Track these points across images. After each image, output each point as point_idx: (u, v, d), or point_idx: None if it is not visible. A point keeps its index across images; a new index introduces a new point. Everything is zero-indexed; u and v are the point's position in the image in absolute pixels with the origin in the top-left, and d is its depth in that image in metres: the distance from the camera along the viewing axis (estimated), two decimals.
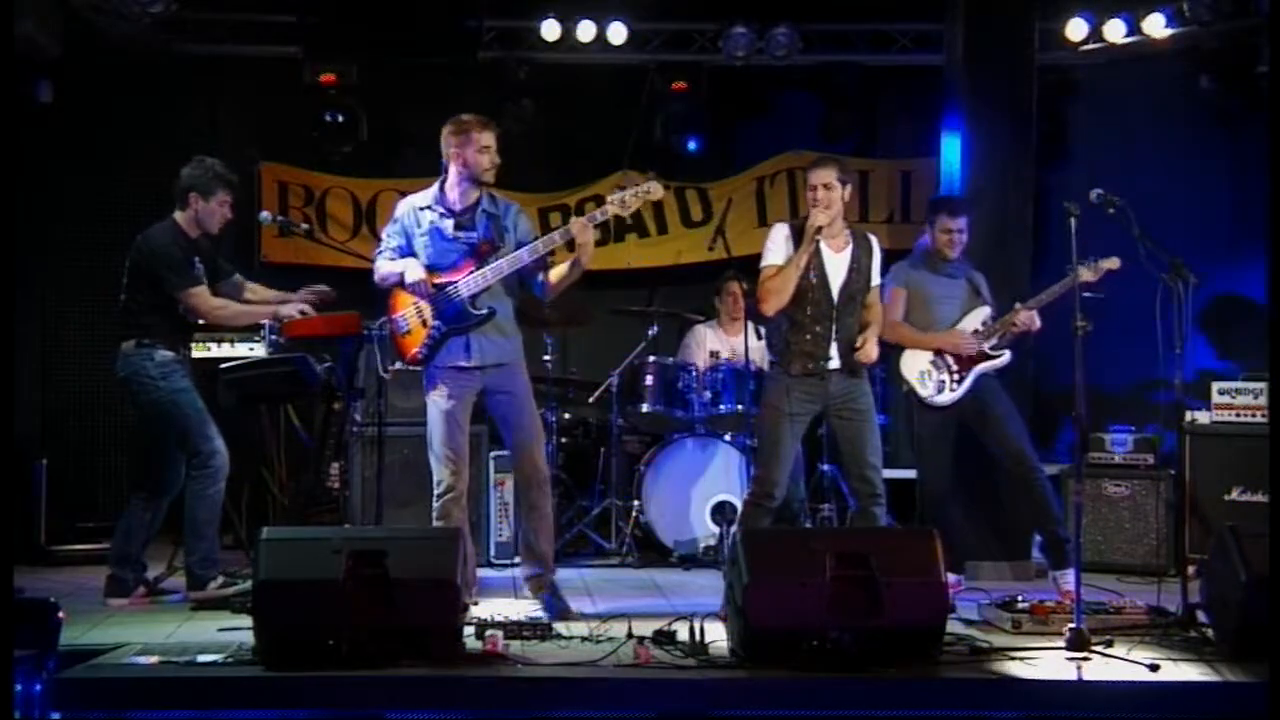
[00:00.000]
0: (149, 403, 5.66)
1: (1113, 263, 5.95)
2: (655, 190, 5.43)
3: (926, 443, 6.19)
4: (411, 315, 5.38)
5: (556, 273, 5.41)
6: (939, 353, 6.18)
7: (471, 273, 5.31)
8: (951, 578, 6.20)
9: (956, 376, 6.12)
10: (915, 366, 6.17)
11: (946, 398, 6.12)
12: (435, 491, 5.39)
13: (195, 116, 8.08)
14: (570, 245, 5.34)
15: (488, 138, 5.35)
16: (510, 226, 5.42)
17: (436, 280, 5.32)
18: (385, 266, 5.45)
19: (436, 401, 5.38)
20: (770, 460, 5.56)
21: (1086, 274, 5.77)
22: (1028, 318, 6.13)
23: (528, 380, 5.54)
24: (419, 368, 5.47)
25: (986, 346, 6.15)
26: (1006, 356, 6.18)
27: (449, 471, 5.35)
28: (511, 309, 5.46)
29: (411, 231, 5.43)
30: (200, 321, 5.84)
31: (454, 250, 5.36)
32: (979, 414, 6.16)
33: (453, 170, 5.39)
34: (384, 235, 5.56)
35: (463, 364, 5.35)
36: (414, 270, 5.33)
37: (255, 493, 7.15)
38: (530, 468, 5.48)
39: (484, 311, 5.32)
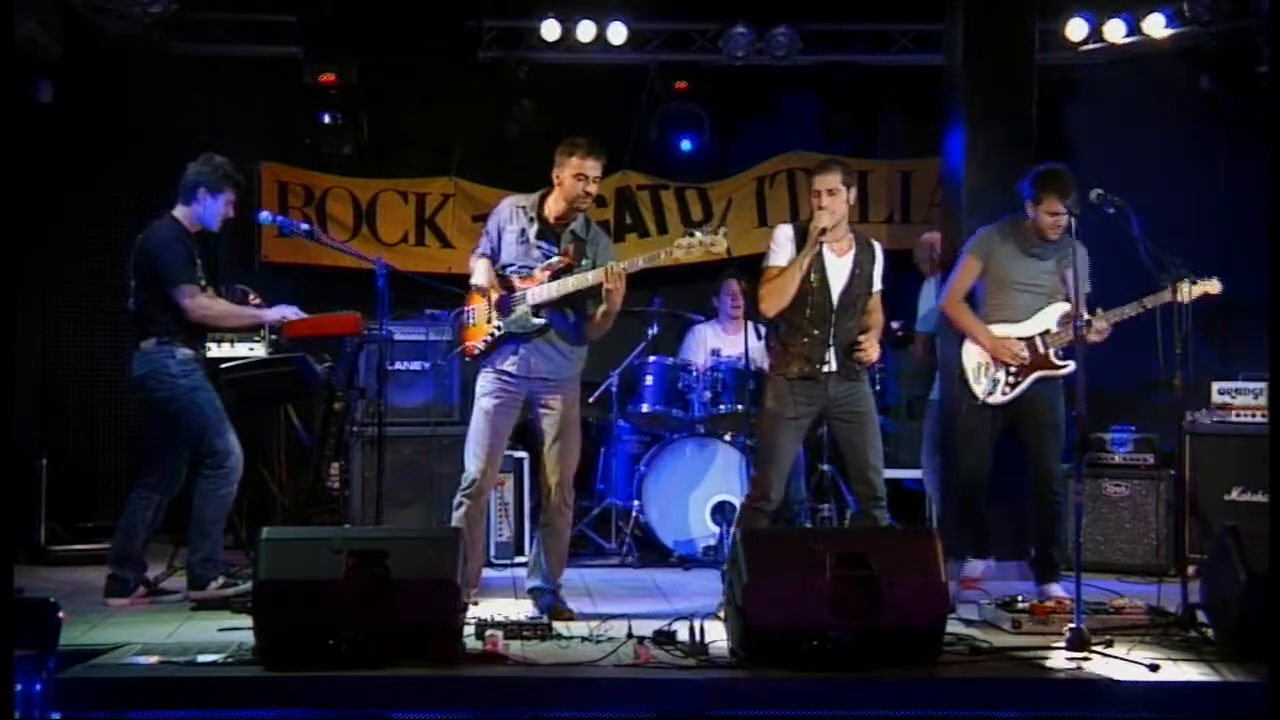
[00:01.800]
0: (167, 400, 5.65)
1: (1214, 286, 5.65)
2: (719, 245, 5.44)
3: (965, 436, 5.97)
4: (480, 310, 5.53)
5: (597, 318, 5.46)
6: None
7: (543, 284, 5.38)
8: (980, 564, 6.13)
9: (1013, 380, 5.85)
10: (975, 358, 5.93)
11: (996, 399, 5.88)
12: (462, 486, 5.48)
13: (195, 116, 8.07)
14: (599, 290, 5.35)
15: (588, 166, 5.40)
16: (591, 255, 5.48)
17: (518, 284, 5.43)
18: (472, 264, 5.62)
19: (481, 401, 5.49)
20: (767, 464, 5.55)
21: (1181, 293, 5.45)
22: (1103, 329, 5.79)
23: (577, 402, 5.60)
24: (473, 360, 5.57)
25: (1052, 353, 5.84)
26: (1070, 367, 5.81)
27: (477, 469, 5.45)
28: (577, 329, 5.50)
29: (503, 227, 5.54)
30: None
31: (531, 257, 5.45)
32: (1027, 416, 5.90)
33: (555, 185, 5.48)
34: (482, 231, 5.69)
35: (510, 370, 5.43)
36: (480, 274, 5.49)
37: (255, 493, 7.14)
38: (556, 487, 5.52)
39: (542, 322, 5.39)
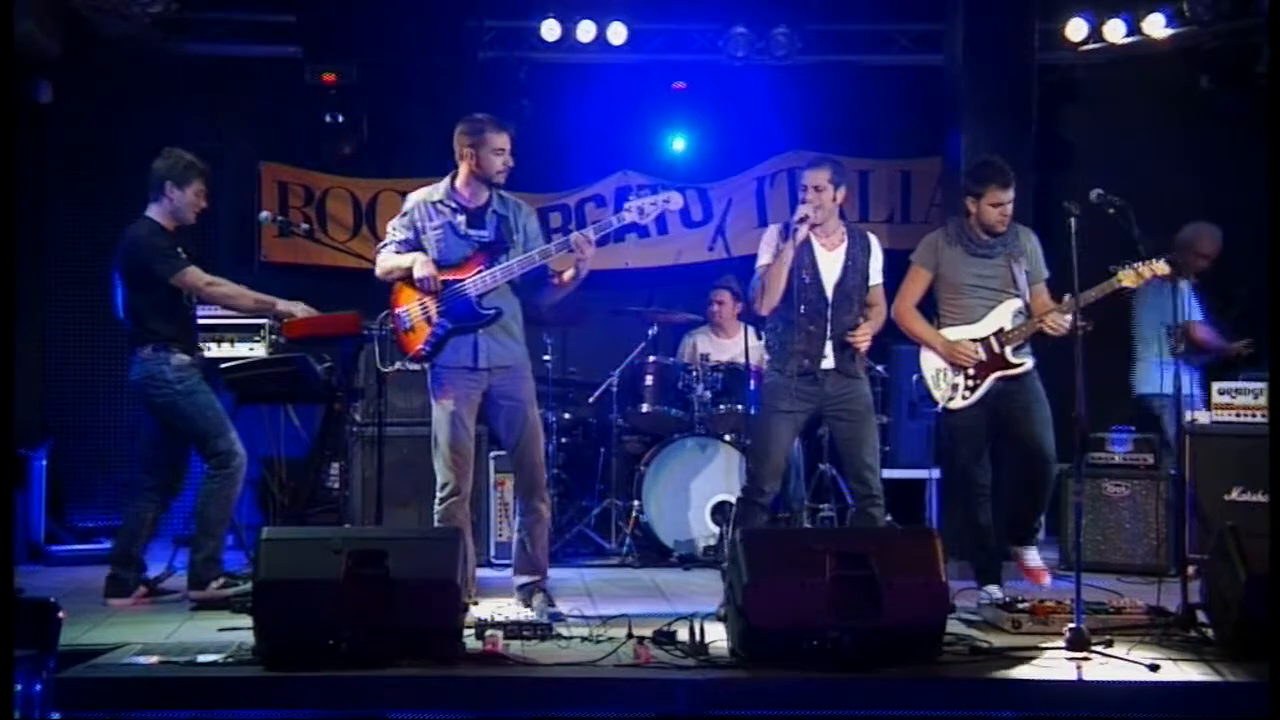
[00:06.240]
0: (166, 406, 5.65)
1: (1161, 267, 5.48)
2: (675, 200, 5.46)
3: (947, 438, 5.86)
4: (415, 311, 5.33)
5: (558, 281, 5.39)
6: None
7: (480, 272, 5.28)
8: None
9: (971, 383, 5.70)
10: (932, 364, 5.80)
11: (957, 404, 5.73)
12: (438, 494, 5.33)
13: (195, 116, 8.08)
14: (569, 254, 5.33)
15: (502, 140, 5.34)
16: (519, 228, 5.41)
17: (444, 277, 5.28)
18: (390, 260, 5.39)
19: (442, 403, 5.33)
20: (761, 456, 5.56)
21: (1131, 278, 5.47)
22: (1056, 321, 5.56)
23: (532, 386, 5.51)
24: (420, 364, 5.45)
25: (1009, 351, 5.67)
26: (1028, 364, 5.67)
27: (454, 474, 5.31)
28: (518, 312, 5.44)
29: (422, 226, 5.38)
30: (199, 321, 5.84)
31: (463, 247, 5.34)
32: (1010, 411, 5.71)
33: (464, 169, 5.38)
34: (390, 228, 5.49)
35: (469, 365, 5.32)
36: (423, 264, 5.28)
37: (255, 493, 7.15)
38: (533, 475, 5.45)
39: (491, 311, 5.29)
